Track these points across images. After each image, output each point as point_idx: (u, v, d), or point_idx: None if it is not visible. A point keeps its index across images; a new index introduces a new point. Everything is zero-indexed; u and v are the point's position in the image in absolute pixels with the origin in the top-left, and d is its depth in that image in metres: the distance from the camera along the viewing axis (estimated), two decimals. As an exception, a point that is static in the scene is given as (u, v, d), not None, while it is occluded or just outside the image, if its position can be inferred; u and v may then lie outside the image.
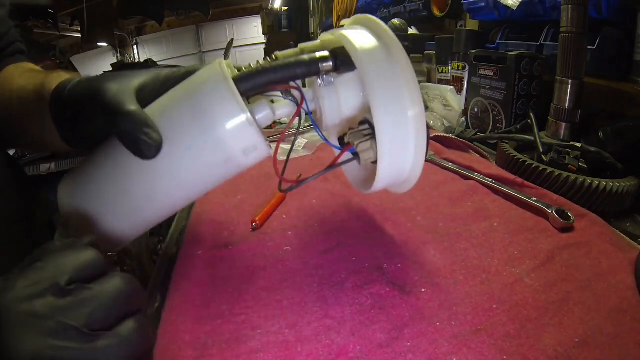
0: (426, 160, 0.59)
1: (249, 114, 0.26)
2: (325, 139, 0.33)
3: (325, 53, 0.27)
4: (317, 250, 0.39)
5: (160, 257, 0.42)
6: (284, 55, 0.30)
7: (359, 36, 0.28)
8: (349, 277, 0.35)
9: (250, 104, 0.29)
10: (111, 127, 0.26)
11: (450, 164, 0.57)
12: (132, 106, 0.26)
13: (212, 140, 0.26)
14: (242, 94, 0.26)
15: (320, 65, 0.27)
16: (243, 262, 0.38)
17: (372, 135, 0.29)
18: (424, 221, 0.44)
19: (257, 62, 0.29)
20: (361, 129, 0.30)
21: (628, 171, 0.48)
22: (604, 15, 0.59)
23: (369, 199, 0.49)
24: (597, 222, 0.41)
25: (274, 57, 0.30)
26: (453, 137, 0.68)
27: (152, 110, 0.27)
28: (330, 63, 0.27)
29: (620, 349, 0.27)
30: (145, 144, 0.25)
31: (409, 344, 0.28)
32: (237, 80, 0.26)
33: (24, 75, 0.40)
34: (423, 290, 0.33)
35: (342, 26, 0.33)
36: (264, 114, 0.29)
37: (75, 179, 0.30)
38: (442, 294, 0.33)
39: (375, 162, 0.29)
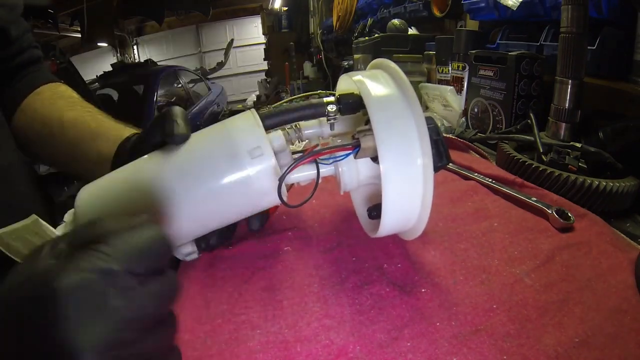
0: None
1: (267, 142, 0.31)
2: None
3: (331, 98, 0.33)
4: (317, 250, 0.39)
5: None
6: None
7: (372, 82, 0.32)
8: (349, 277, 0.35)
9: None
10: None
11: (450, 164, 0.57)
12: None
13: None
14: (265, 127, 0.32)
15: (326, 108, 0.33)
16: (243, 262, 0.38)
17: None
18: (424, 221, 0.44)
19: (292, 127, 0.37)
20: (365, 127, 0.31)
21: (628, 171, 0.48)
22: (604, 15, 0.59)
23: (369, 199, 0.49)
24: (597, 222, 0.41)
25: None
26: (453, 137, 0.68)
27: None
28: (334, 107, 0.33)
29: (620, 349, 0.27)
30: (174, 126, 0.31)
31: (409, 344, 0.28)
32: (263, 118, 0.32)
33: (72, 111, 0.42)
34: (423, 290, 0.33)
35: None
36: (279, 143, 0.33)
37: (99, 191, 0.31)
38: (442, 294, 0.33)
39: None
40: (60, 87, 0.45)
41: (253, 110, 0.33)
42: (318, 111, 0.33)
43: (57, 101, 0.43)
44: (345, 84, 0.36)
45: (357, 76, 0.33)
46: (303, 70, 3.67)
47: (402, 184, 0.29)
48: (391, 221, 0.31)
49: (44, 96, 0.43)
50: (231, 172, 0.30)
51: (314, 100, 0.33)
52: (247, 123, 0.31)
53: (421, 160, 0.29)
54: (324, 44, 2.88)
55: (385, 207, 0.29)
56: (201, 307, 0.33)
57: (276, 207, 0.41)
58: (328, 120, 0.34)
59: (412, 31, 1.29)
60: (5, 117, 0.39)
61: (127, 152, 0.36)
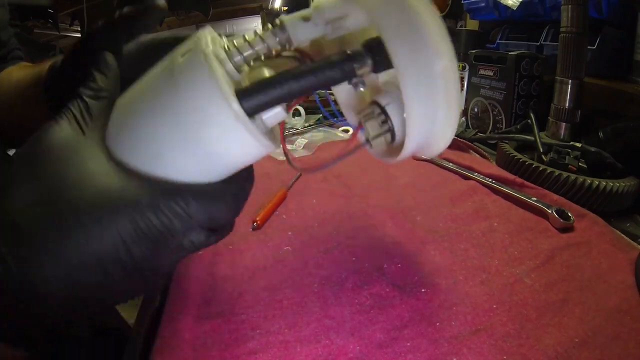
0: (426, 160, 0.59)
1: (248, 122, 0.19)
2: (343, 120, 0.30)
3: (359, 49, 0.21)
4: (317, 250, 0.39)
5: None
6: (290, 19, 0.22)
7: None
8: (348, 277, 0.35)
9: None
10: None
11: (450, 164, 0.57)
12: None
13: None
14: (248, 114, 0.19)
15: (355, 66, 0.20)
16: (243, 262, 0.38)
17: (384, 118, 0.24)
18: (424, 221, 0.44)
19: (255, 33, 0.22)
20: (369, 110, 0.25)
21: (628, 171, 0.48)
22: (604, 15, 0.59)
23: (369, 199, 0.49)
24: (597, 222, 0.41)
25: (277, 23, 0.22)
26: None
27: (125, 101, 0.22)
28: (369, 62, 0.20)
29: (620, 349, 0.27)
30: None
31: (408, 344, 0.28)
32: (242, 96, 0.19)
33: (22, 69, 0.41)
34: (423, 290, 0.33)
35: None
36: (273, 113, 0.20)
37: None
38: (442, 294, 0.33)
39: (391, 142, 0.25)
40: (24, 63, 0.46)
41: (205, 38, 0.20)
42: (344, 74, 0.20)
43: (17, 70, 0.43)
44: None
45: None
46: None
47: (422, 85, 0.20)
48: (416, 132, 0.22)
49: (4, 74, 0.44)
50: (157, 85, 0.19)
51: (334, 57, 0.20)
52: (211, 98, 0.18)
53: (442, 62, 0.20)
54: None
55: (409, 113, 0.21)
56: (201, 307, 0.33)
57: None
58: (353, 85, 0.22)
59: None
60: None
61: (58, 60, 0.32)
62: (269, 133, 0.22)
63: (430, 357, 0.27)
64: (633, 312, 0.30)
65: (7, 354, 0.20)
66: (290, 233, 0.43)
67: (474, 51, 0.76)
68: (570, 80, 0.53)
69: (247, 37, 0.22)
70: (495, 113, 0.71)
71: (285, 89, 0.19)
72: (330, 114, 0.24)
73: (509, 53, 0.67)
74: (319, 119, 0.83)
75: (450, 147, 0.67)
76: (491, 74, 0.70)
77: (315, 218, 0.45)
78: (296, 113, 0.82)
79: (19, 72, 0.41)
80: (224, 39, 0.22)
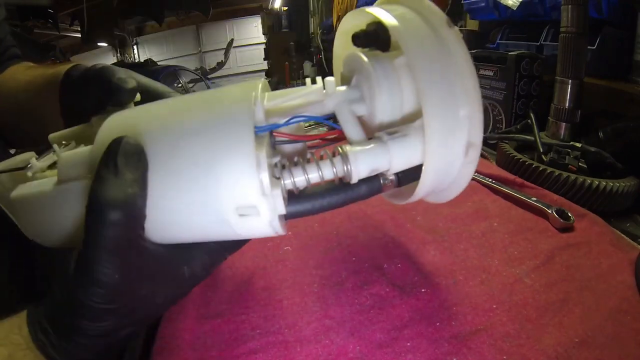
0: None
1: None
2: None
3: (389, 173, 0.24)
4: (317, 250, 0.39)
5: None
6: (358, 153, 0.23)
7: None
8: (348, 277, 0.35)
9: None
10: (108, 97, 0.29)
11: (450, 164, 0.57)
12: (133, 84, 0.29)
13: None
14: (286, 218, 0.24)
15: (382, 186, 0.24)
16: (243, 262, 0.38)
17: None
18: (424, 221, 0.44)
19: (314, 158, 0.23)
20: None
21: (628, 171, 0.48)
22: (604, 15, 0.59)
23: (368, 200, 0.49)
24: (597, 222, 0.41)
25: (342, 152, 0.23)
26: (453, 137, 0.68)
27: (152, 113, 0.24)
28: (394, 180, 0.24)
29: (620, 349, 0.27)
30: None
31: (408, 344, 0.28)
32: (289, 205, 0.23)
33: (30, 70, 0.42)
34: (423, 290, 0.33)
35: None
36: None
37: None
38: (442, 294, 0.33)
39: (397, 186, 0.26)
40: (28, 63, 0.47)
41: (257, 102, 0.21)
42: (370, 190, 0.24)
43: (23, 69, 0.44)
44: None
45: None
46: (303, 70, 3.67)
47: (446, 128, 0.22)
48: (431, 180, 0.24)
49: (8, 73, 0.44)
50: (211, 225, 0.21)
51: (366, 181, 0.23)
52: (242, 153, 0.20)
53: (465, 109, 0.22)
54: (324, 44, 2.88)
55: (428, 155, 0.22)
56: (201, 307, 0.33)
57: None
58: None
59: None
60: None
61: (78, 69, 0.34)
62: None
63: (430, 357, 0.27)
64: (633, 312, 0.30)
65: None
66: (290, 233, 0.43)
67: (474, 51, 0.76)
68: (570, 80, 0.53)
69: (300, 158, 0.23)
70: (495, 113, 0.71)
71: (323, 206, 0.23)
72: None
73: (509, 53, 0.67)
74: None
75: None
76: (491, 74, 0.70)
77: (315, 218, 0.45)
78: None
79: (27, 73, 0.41)
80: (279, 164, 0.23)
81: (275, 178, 0.22)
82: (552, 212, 0.41)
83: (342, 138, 0.25)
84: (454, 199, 0.49)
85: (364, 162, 0.22)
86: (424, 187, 0.24)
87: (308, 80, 0.24)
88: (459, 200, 0.47)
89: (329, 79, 0.24)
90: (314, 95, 0.24)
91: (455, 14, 1.08)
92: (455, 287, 0.33)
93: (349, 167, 0.22)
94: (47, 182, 0.25)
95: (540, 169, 0.49)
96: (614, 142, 0.50)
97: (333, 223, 0.44)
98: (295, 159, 0.23)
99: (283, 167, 0.23)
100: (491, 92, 0.71)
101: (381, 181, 0.24)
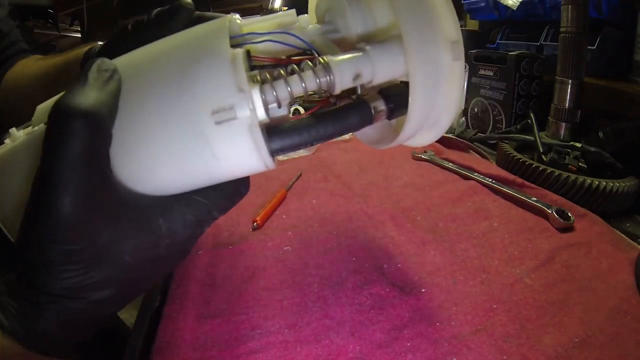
0: (426, 160, 0.59)
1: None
2: None
3: (377, 97, 0.22)
4: (317, 250, 0.39)
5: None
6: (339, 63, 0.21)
7: None
8: (349, 277, 0.35)
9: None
10: None
11: (450, 164, 0.57)
12: None
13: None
14: (272, 154, 0.21)
15: (373, 115, 0.22)
16: (243, 262, 0.38)
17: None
18: (424, 221, 0.44)
19: (295, 70, 0.21)
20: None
21: (628, 171, 0.48)
22: (604, 15, 0.59)
23: (368, 199, 0.49)
24: (597, 222, 0.41)
25: (324, 62, 0.21)
26: (453, 137, 0.68)
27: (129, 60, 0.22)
28: (385, 110, 0.22)
29: (620, 349, 0.27)
30: None
31: (408, 344, 0.28)
32: (271, 137, 0.21)
33: (40, 61, 0.42)
34: (423, 290, 0.33)
35: None
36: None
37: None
38: (442, 294, 0.33)
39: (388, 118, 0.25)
40: (38, 56, 0.47)
41: (232, 18, 0.22)
42: (361, 122, 0.22)
43: (34, 61, 0.44)
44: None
45: None
46: (303, 70, 3.67)
47: (429, 72, 0.21)
48: (418, 118, 0.23)
49: (18, 67, 0.45)
50: (183, 134, 0.19)
51: (353, 102, 0.22)
52: (214, 49, 0.19)
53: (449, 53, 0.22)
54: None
55: (413, 98, 0.21)
56: (201, 307, 0.33)
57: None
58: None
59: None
60: None
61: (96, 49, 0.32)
62: None
63: (430, 357, 0.27)
64: (633, 312, 0.30)
65: None
66: (290, 233, 0.42)
67: (474, 51, 0.76)
68: (570, 80, 0.53)
69: (283, 72, 0.21)
70: (495, 113, 0.71)
71: (311, 137, 0.21)
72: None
73: (509, 53, 0.67)
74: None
75: (450, 147, 0.67)
76: (491, 74, 0.70)
77: (315, 218, 0.45)
78: (296, 113, 0.82)
79: (38, 65, 0.41)
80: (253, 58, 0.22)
81: (254, 82, 0.20)
82: (552, 212, 0.41)
83: None
84: (454, 199, 0.49)
85: (346, 68, 0.21)
86: (417, 92, 0.22)
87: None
88: (459, 200, 0.48)
89: (303, 16, 0.24)
90: (289, 17, 0.24)
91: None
92: (455, 287, 0.33)
93: (331, 76, 0.21)
94: (20, 138, 0.23)
95: (540, 169, 0.49)
96: (614, 142, 0.50)
97: (333, 223, 0.44)
98: (275, 72, 0.21)
99: (263, 82, 0.20)
100: (491, 92, 0.71)
101: (372, 111, 0.22)
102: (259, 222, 0.44)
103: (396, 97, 0.22)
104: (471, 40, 0.89)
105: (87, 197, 0.17)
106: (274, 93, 0.20)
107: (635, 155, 0.49)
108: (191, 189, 0.21)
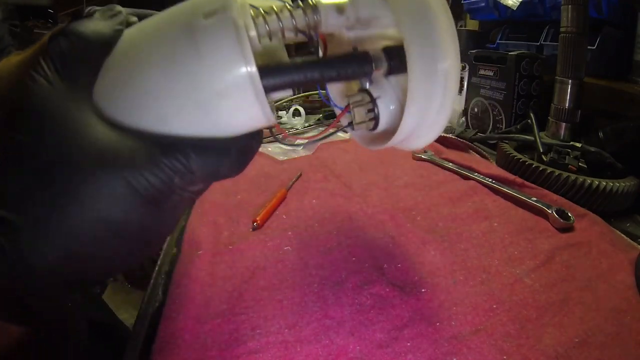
0: (426, 160, 0.59)
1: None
2: (334, 104, 0.30)
3: (379, 52, 0.22)
4: (317, 250, 0.39)
5: (161, 257, 0.42)
6: (326, 4, 0.22)
7: None
8: (348, 277, 0.35)
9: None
10: None
11: (450, 164, 0.57)
12: None
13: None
14: (265, 91, 0.19)
15: (373, 67, 0.22)
16: (243, 262, 0.38)
17: (371, 107, 0.26)
18: (424, 221, 0.44)
19: (286, 7, 0.22)
20: (359, 98, 0.26)
21: (628, 171, 0.48)
22: (604, 15, 0.59)
23: (368, 199, 0.49)
24: (597, 222, 0.41)
25: (311, 3, 0.22)
26: (453, 137, 0.68)
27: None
28: (385, 65, 0.22)
29: (620, 349, 0.27)
30: None
31: (408, 344, 0.28)
32: (265, 73, 0.19)
33: (19, 54, 0.42)
34: (423, 290, 0.33)
35: None
36: (284, 92, 0.21)
37: None
38: (442, 294, 0.33)
39: (372, 130, 0.27)
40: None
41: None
42: (361, 72, 0.22)
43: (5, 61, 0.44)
44: None
45: None
46: (303, 70, 3.67)
47: (427, 80, 0.22)
48: (411, 121, 0.23)
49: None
50: (174, 41, 0.18)
51: (357, 54, 0.22)
52: None
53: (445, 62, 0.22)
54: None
55: (409, 102, 0.22)
56: (201, 307, 0.33)
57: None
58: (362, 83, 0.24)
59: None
60: None
61: None
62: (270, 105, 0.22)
63: (430, 357, 0.27)
64: (633, 312, 0.30)
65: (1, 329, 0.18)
66: (290, 233, 0.42)
67: (474, 51, 0.76)
68: (570, 80, 0.53)
69: (275, 8, 0.21)
70: (495, 113, 0.71)
71: (307, 77, 0.20)
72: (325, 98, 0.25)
73: (509, 53, 0.67)
74: (319, 118, 0.83)
75: (450, 147, 0.67)
76: (491, 74, 0.70)
77: (315, 218, 0.45)
78: (296, 113, 0.82)
79: (17, 57, 0.41)
80: (251, 5, 0.21)
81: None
82: (552, 212, 0.41)
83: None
84: (454, 199, 0.49)
85: (331, 8, 0.22)
86: (399, 136, 0.23)
87: None
88: (459, 200, 0.48)
89: None
90: None
91: (455, 14, 1.07)
92: (455, 287, 0.33)
93: (318, 15, 0.22)
94: None
95: (540, 169, 0.49)
96: (614, 142, 0.50)
97: (333, 223, 0.44)
98: (268, 9, 0.21)
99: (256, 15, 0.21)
100: (491, 92, 0.71)
101: (372, 63, 0.22)
102: (259, 222, 0.44)
103: (399, 56, 0.22)
104: (471, 40, 0.89)
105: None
106: (265, 24, 0.20)
107: (635, 155, 0.49)
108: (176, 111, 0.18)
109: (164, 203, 0.18)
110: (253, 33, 0.20)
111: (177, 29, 0.18)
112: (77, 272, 0.17)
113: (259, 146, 0.21)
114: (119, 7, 0.19)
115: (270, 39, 0.21)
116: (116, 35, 0.18)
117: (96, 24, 0.18)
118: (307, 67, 0.20)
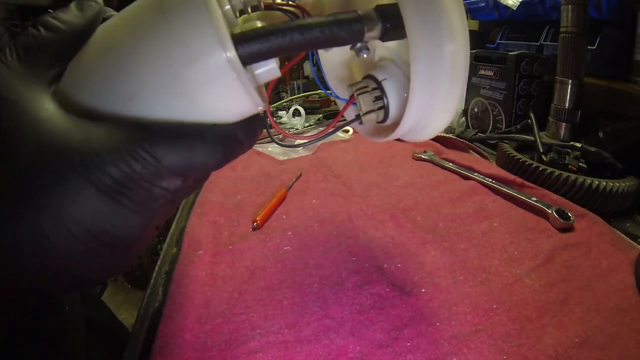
0: (426, 160, 0.59)
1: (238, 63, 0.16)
2: (336, 96, 0.28)
3: (370, 12, 0.19)
4: (317, 250, 0.39)
5: (161, 257, 0.42)
6: None
7: None
8: (349, 277, 0.35)
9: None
10: None
11: (450, 164, 0.57)
12: None
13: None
14: (242, 61, 0.17)
15: (364, 29, 0.19)
16: (243, 262, 0.38)
17: (378, 93, 0.24)
18: (424, 221, 0.44)
19: None
20: (363, 84, 0.24)
21: (628, 171, 0.48)
22: (604, 15, 0.59)
23: (368, 199, 0.49)
24: (597, 222, 0.41)
25: None
26: (453, 137, 0.68)
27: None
28: (379, 27, 0.19)
29: (620, 349, 0.27)
30: None
31: (408, 344, 0.28)
32: (238, 41, 0.17)
33: None
34: (423, 290, 0.33)
35: None
36: (268, 68, 0.19)
37: None
38: (442, 294, 0.33)
39: (380, 122, 0.24)
40: None
41: None
42: (350, 34, 0.19)
43: None
44: None
45: None
46: (303, 70, 3.67)
47: (432, 66, 0.20)
48: (414, 112, 0.21)
49: None
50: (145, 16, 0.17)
51: (343, 15, 0.19)
52: None
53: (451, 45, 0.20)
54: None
55: (412, 92, 0.20)
56: (201, 307, 0.33)
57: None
58: (356, 50, 0.20)
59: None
60: None
61: None
62: (260, 90, 0.20)
63: (430, 357, 0.27)
64: (633, 312, 0.30)
65: None
66: (290, 233, 0.42)
67: (473, 51, 0.76)
68: (570, 80, 0.53)
69: None
70: (495, 113, 0.71)
71: (287, 40, 0.17)
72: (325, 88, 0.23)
73: (509, 53, 0.67)
74: (319, 118, 0.84)
75: (450, 147, 0.67)
76: (491, 74, 0.70)
77: (315, 218, 0.45)
78: (296, 113, 0.82)
79: None
80: None
81: None
82: (552, 212, 0.41)
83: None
84: (454, 199, 0.49)
85: None
86: (406, 124, 0.20)
87: None
88: (459, 200, 0.48)
89: None
90: None
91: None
92: (455, 287, 0.33)
93: None
94: None
95: (540, 169, 0.49)
96: (614, 142, 0.50)
97: (333, 223, 0.44)
98: None
99: None
100: (491, 92, 0.71)
101: (363, 24, 0.19)
102: (259, 222, 0.44)
103: (395, 18, 0.19)
104: (471, 40, 0.89)
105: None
106: None
107: (635, 155, 0.49)
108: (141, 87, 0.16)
109: (128, 198, 0.15)
110: (228, 7, 0.19)
111: (147, 3, 0.17)
112: (29, 281, 0.16)
113: (249, 138, 0.18)
114: (96, 0, 0.19)
115: (247, 11, 0.19)
116: (87, 25, 0.18)
117: (67, 15, 0.18)
118: (287, 29, 0.17)
